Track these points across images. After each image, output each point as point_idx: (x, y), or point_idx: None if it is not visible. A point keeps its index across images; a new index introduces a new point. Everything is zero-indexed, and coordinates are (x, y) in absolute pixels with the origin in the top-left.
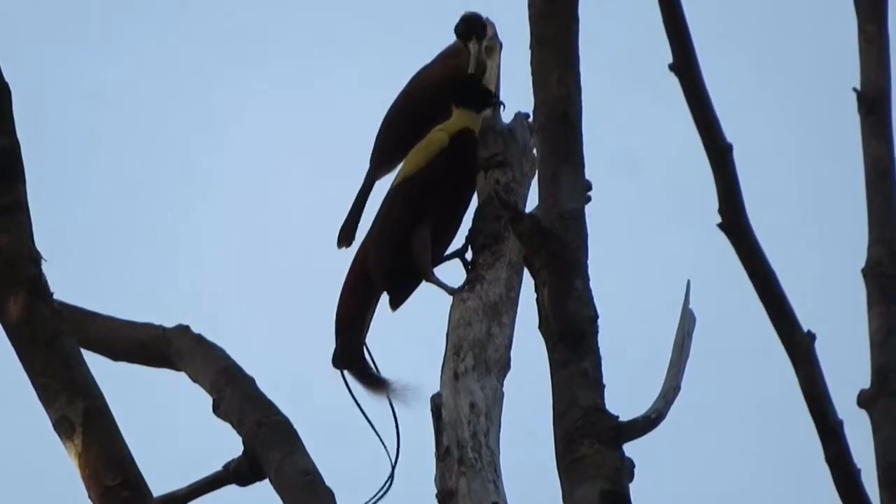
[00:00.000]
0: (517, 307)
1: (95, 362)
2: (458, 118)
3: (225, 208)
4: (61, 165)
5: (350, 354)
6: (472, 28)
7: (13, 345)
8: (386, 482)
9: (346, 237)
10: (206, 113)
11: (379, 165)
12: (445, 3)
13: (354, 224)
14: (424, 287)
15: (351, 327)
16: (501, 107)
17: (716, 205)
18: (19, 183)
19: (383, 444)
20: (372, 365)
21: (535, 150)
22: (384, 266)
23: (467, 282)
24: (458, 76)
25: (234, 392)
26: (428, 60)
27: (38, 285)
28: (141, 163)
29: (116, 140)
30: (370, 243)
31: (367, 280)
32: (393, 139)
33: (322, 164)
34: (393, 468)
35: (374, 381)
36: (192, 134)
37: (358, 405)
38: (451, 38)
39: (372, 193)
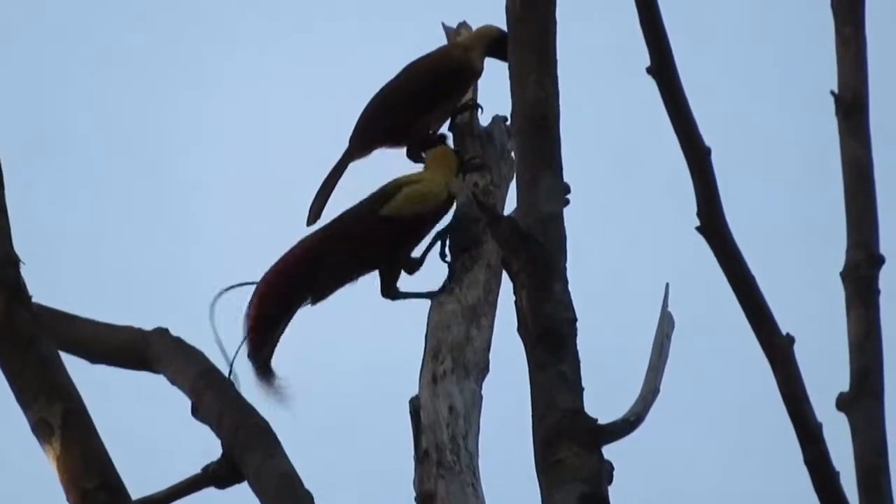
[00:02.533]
0: (496, 310)
1: (74, 365)
2: (455, 182)
3: (205, 212)
4: (41, 167)
5: (265, 343)
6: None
7: None
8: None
9: (315, 215)
10: (188, 112)
11: (358, 149)
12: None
13: (324, 203)
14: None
15: (276, 316)
16: (479, 110)
17: (695, 207)
18: None
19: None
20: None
21: (513, 153)
22: (343, 275)
23: (446, 286)
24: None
25: (213, 395)
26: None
27: (17, 288)
28: (121, 165)
29: (97, 141)
30: (332, 245)
31: (311, 278)
32: (380, 125)
33: (303, 162)
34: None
35: (266, 374)
36: (172, 134)
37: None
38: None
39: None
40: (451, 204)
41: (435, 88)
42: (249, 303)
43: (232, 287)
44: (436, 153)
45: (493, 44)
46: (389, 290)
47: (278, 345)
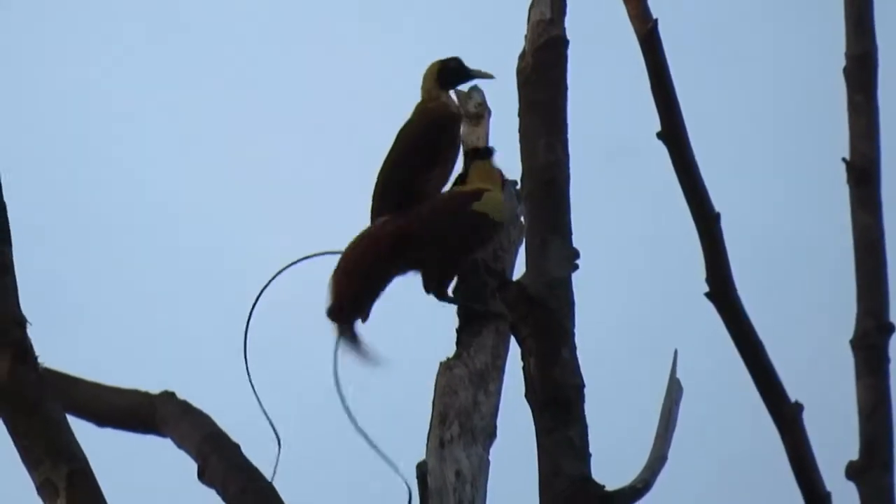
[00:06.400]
0: (503, 375)
1: (81, 426)
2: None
3: (210, 275)
4: (46, 225)
5: (350, 315)
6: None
7: None
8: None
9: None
10: (200, 167)
11: None
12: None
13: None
14: (412, 359)
15: (363, 290)
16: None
17: (703, 272)
18: (6, 245)
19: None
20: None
21: (522, 218)
22: (429, 260)
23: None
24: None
25: (219, 458)
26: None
27: (24, 349)
28: (128, 224)
29: (99, 199)
30: (425, 226)
31: (399, 257)
32: (390, 202)
33: (311, 214)
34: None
35: (353, 340)
36: (183, 194)
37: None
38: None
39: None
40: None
41: (427, 147)
42: (334, 275)
43: (306, 258)
44: (479, 167)
45: (441, 79)
46: (441, 291)
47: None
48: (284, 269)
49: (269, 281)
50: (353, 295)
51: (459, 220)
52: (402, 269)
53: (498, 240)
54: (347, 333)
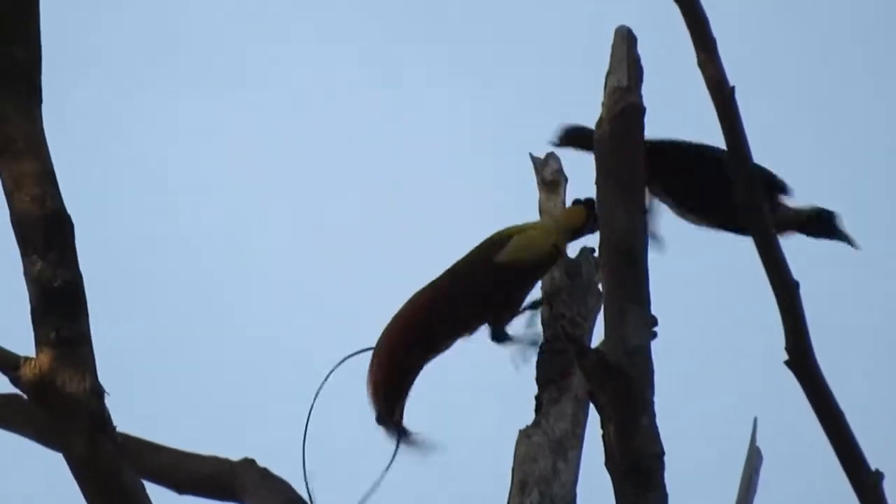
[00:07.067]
0: (583, 443)
1: (159, 494)
2: (564, 236)
3: (289, 342)
4: (121, 292)
5: (392, 407)
6: None
7: (77, 480)
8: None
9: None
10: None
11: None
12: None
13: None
14: (491, 428)
15: (397, 382)
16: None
17: (783, 340)
18: (82, 316)
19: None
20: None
21: (600, 285)
22: (460, 327)
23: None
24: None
25: None
26: None
27: (101, 420)
28: (199, 292)
29: (170, 266)
30: (447, 299)
31: (427, 336)
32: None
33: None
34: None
35: (401, 434)
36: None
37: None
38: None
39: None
40: (556, 258)
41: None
42: (369, 370)
43: (349, 356)
44: (570, 209)
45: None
46: (499, 335)
47: (406, 402)
48: (337, 365)
49: (324, 379)
50: (394, 390)
51: (484, 279)
52: (431, 345)
53: (547, 269)
54: (394, 430)
